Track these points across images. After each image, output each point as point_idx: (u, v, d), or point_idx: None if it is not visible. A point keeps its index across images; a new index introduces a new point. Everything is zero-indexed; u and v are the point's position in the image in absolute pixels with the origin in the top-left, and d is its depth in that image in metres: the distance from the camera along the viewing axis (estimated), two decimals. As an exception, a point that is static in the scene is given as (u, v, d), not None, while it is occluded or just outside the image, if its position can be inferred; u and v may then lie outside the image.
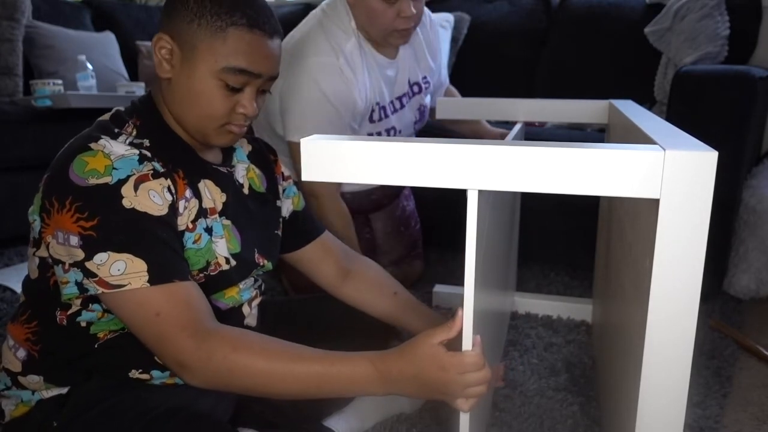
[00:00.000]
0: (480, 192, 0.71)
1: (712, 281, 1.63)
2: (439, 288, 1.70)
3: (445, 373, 0.74)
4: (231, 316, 0.95)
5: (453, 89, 1.81)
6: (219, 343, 0.76)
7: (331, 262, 1.11)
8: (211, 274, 0.88)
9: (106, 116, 0.86)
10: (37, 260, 0.84)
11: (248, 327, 0.99)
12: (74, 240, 0.75)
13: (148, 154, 0.81)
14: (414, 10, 1.30)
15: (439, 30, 1.75)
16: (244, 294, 0.97)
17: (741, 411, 1.19)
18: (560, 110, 1.48)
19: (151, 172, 0.79)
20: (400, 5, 1.29)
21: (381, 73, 1.42)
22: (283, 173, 1.09)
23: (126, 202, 0.75)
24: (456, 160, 0.66)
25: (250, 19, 0.81)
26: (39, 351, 0.86)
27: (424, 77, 1.56)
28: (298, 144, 1.26)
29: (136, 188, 0.77)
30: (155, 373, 0.86)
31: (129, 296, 0.75)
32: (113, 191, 0.75)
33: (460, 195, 0.75)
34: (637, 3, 2.18)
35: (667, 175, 0.60)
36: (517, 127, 1.35)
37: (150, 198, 0.78)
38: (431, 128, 1.79)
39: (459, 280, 1.79)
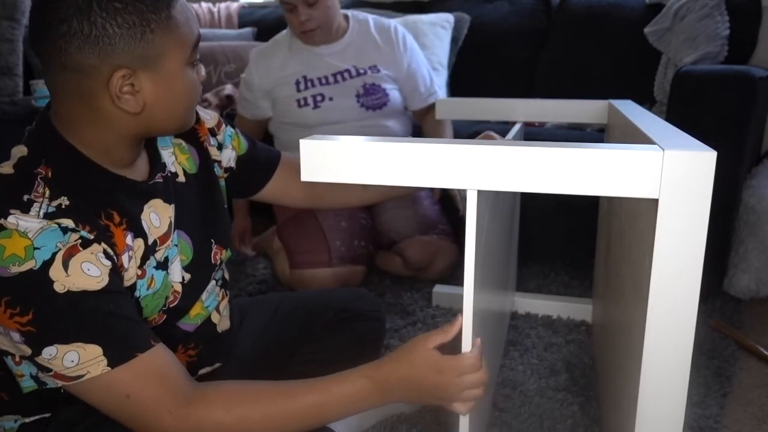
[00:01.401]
0: (480, 192, 0.71)
1: (712, 281, 1.63)
2: (438, 288, 1.70)
3: (441, 376, 0.73)
4: (202, 333, 0.91)
5: (447, 123, 1.86)
6: (207, 408, 0.72)
7: (298, 178, 1.03)
8: (171, 306, 0.83)
9: (9, 167, 0.73)
10: None
11: (224, 332, 0.95)
12: (16, 336, 0.67)
13: (71, 224, 0.69)
14: (304, 17, 1.66)
15: (414, 44, 1.86)
16: (210, 303, 0.91)
17: (741, 411, 1.19)
18: (560, 110, 1.48)
19: (80, 242, 0.69)
20: (297, 14, 1.66)
21: (311, 57, 1.78)
22: (210, 129, 0.97)
23: (58, 287, 0.66)
24: (456, 160, 0.66)
25: None
26: (8, 394, 0.79)
27: (373, 66, 1.80)
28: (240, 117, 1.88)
29: (66, 266, 0.67)
30: None
31: (92, 384, 0.69)
32: (40, 278, 0.65)
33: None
34: (637, 3, 2.18)
35: (666, 175, 0.60)
36: (517, 127, 1.35)
37: (85, 272, 0.68)
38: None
39: (459, 280, 1.79)
